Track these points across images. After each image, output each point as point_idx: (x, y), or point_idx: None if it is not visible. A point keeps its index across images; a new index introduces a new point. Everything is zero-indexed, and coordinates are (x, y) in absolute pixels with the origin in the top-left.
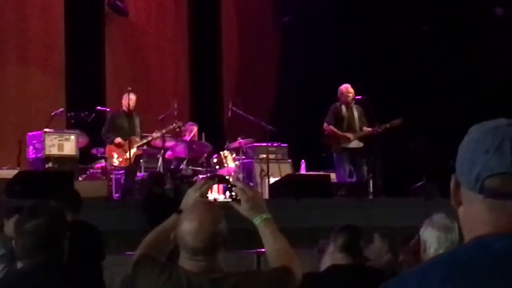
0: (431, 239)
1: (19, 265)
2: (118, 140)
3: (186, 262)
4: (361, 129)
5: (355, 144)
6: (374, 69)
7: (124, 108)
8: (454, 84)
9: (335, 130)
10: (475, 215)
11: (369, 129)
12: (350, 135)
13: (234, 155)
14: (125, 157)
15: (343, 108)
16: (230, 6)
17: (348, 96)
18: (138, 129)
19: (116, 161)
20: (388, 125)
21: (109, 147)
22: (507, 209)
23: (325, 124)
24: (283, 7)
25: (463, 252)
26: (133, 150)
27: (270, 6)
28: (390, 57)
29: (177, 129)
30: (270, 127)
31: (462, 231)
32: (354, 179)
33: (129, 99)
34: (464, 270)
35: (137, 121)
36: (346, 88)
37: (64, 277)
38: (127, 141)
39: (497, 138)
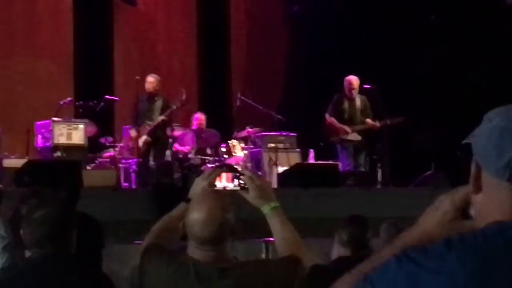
0: None
1: (27, 254)
2: (133, 133)
3: (194, 251)
4: (363, 122)
5: (353, 136)
6: (382, 59)
7: (147, 91)
8: (463, 73)
9: (334, 121)
10: (496, 203)
11: (371, 122)
12: (347, 128)
13: (242, 144)
14: (138, 145)
15: (345, 99)
16: None
17: (351, 88)
18: (156, 113)
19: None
20: (388, 121)
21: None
22: None
23: (326, 115)
24: None
25: (480, 235)
26: (143, 138)
27: None
28: (399, 47)
29: (183, 103)
30: (279, 117)
31: (476, 217)
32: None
33: (147, 82)
34: (481, 253)
35: (158, 104)
36: (350, 80)
37: (72, 268)
38: (139, 129)
39: None
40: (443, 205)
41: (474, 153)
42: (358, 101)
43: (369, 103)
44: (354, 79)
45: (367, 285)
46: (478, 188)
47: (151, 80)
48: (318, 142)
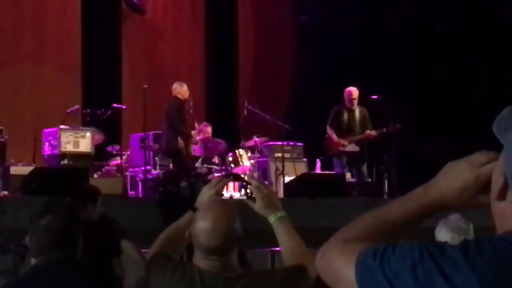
0: (445, 240)
1: (33, 261)
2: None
3: (200, 260)
4: (361, 133)
5: (351, 148)
6: (389, 69)
7: (181, 98)
8: (469, 85)
9: (332, 134)
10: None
11: (368, 132)
12: (344, 142)
13: (249, 153)
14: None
15: (344, 111)
16: (247, 5)
17: (351, 99)
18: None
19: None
20: (384, 130)
21: (184, 142)
22: None
23: (327, 127)
24: (300, 7)
25: (497, 243)
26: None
27: (287, 5)
28: (405, 58)
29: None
30: (286, 126)
31: (497, 223)
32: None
33: (186, 90)
34: (496, 262)
35: (188, 112)
36: (350, 91)
37: (78, 274)
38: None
39: None
40: (467, 177)
41: (503, 164)
42: (357, 113)
43: (369, 115)
44: (354, 90)
45: (383, 261)
46: (502, 198)
47: (186, 89)
48: (324, 153)
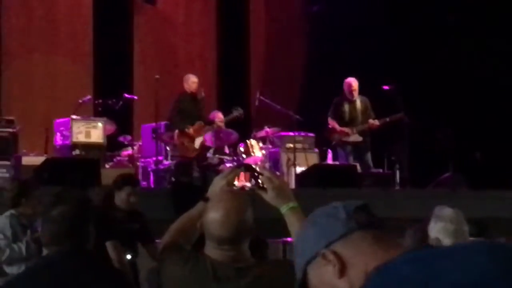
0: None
1: (45, 252)
2: (191, 131)
3: (212, 251)
4: (364, 123)
5: (354, 138)
6: (402, 59)
7: (187, 90)
8: (482, 75)
9: (335, 124)
10: (365, 259)
11: (371, 121)
12: (348, 130)
13: (260, 144)
14: (194, 146)
15: (345, 102)
16: None
17: (350, 91)
18: (203, 113)
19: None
20: (387, 119)
21: (179, 133)
22: (384, 236)
23: (328, 118)
24: None
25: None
26: (200, 139)
27: None
28: (417, 48)
29: (241, 117)
30: (297, 117)
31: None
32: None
33: (191, 83)
34: None
35: (201, 104)
36: (350, 82)
37: (89, 265)
38: (194, 128)
39: (329, 212)
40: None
41: (305, 257)
42: (358, 103)
43: (370, 104)
44: (353, 81)
45: None
46: (343, 268)
47: (195, 80)
48: (327, 143)
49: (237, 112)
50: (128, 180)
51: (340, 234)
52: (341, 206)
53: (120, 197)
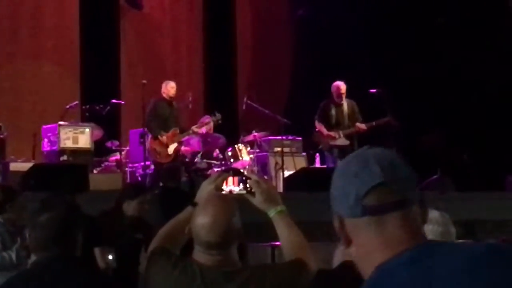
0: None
1: (33, 257)
2: (164, 138)
3: (200, 255)
4: (351, 127)
5: (341, 141)
6: (387, 62)
7: (165, 96)
8: (470, 76)
9: (322, 128)
10: (368, 246)
11: (358, 125)
12: (335, 134)
13: (248, 148)
14: (167, 152)
15: (332, 105)
16: (245, 0)
17: (339, 94)
18: (179, 119)
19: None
20: (374, 123)
21: (152, 141)
22: (392, 224)
23: (316, 121)
24: (297, 0)
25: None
26: (174, 145)
27: None
28: (404, 50)
29: (219, 122)
30: (285, 120)
31: (360, 269)
32: None
33: (170, 88)
34: None
35: (176, 110)
36: (338, 85)
37: (77, 270)
38: (168, 135)
39: (361, 159)
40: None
41: (332, 207)
42: (345, 106)
43: (358, 107)
44: (341, 84)
45: None
46: (348, 241)
47: (174, 86)
48: (314, 147)
49: (214, 118)
50: (141, 189)
51: (346, 215)
52: (356, 185)
53: (131, 205)
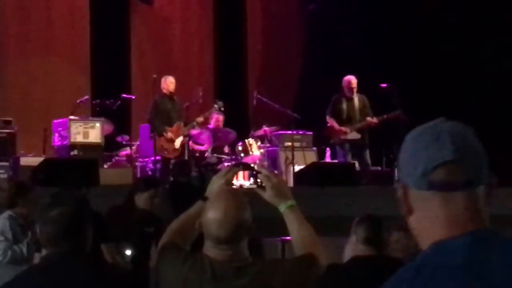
0: None
1: (43, 252)
2: (169, 134)
3: (210, 250)
4: (362, 121)
5: (353, 136)
6: (398, 57)
7: (165, 91)
8: (478, 73)
9: (333, 123)
10: (430, 219)
11: (369, 119)
12: (346, 129)
13: (259, 143)
14: (174, 147)
15: (343, 99)
16: None
17: (350, 88)
18: (182, 113)
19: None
20: (385, 116)
21: (157, 139)
22: (456, 202)
23: (327, 116)
24: None
25: (423, 262)
26: (180, 139)
27: None
28: (414, 45)
29: (221, 109)
30: (295, 115)
31: (418, 239)
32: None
33: (169, 83)
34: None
35: (178, 105)
36: (349, 79)
37: (87, 266)
38: (172, 130)
39: (434, 132)
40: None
41: (398, 174)
42: (356, 101)
43: (369, 102)
44: (352, 79)
45: None
46: (409, 210)
47: (173, 80)
48: (326, 142)
49: (216, 106)
50: (152, 182)
51: (411, 185)
52: (425, 158)
53: (142, 199)
